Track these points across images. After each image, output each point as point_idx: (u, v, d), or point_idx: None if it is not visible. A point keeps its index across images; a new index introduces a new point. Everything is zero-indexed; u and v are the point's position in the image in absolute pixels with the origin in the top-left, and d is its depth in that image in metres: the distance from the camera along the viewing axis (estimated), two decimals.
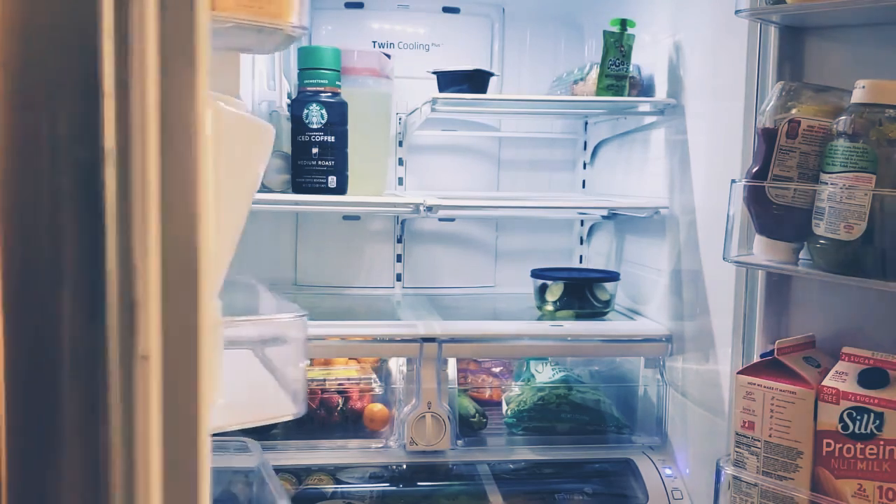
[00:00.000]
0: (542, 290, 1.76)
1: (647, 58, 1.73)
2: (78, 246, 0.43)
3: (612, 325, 1.70)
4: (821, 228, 1.12)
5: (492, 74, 1.75)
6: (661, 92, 1.69)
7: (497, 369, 1.84)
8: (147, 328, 0.44)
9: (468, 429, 1.63)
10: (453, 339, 1.56)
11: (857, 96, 1.10)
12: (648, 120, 1.77)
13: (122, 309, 0.44)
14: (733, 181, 1.23)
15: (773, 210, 1.18)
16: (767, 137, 1.19)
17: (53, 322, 0.43)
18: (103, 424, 0.44)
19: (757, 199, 1.20)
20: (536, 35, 2.06)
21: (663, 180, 1.67)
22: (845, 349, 1.16)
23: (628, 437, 1.69)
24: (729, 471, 1.23)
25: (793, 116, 1.17)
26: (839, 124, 1.11)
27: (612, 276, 1.78)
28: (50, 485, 0.44)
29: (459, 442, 1.60)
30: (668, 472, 1.58)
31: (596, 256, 2.08)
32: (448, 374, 1.60)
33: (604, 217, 2.00)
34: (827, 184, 1.11)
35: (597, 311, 1.74)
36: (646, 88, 1.74)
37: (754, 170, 1.20)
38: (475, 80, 1.71)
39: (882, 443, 1.09)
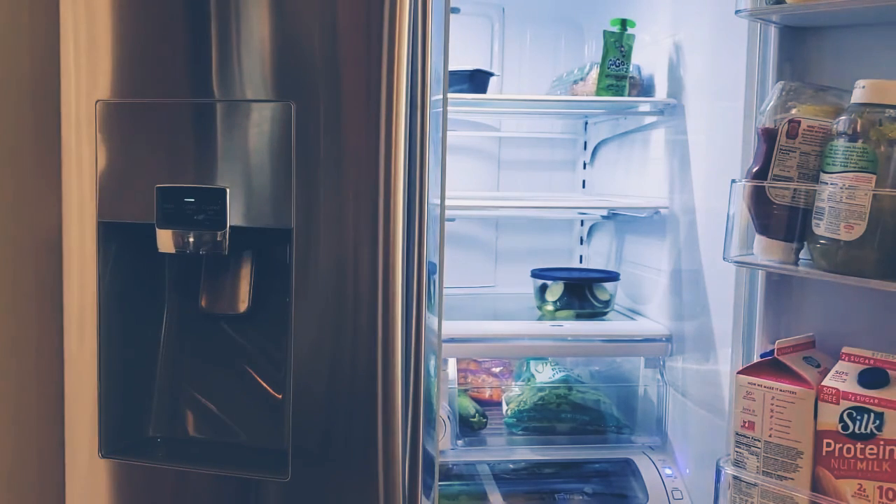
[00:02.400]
0: (542, 290, 1.76)
1: (647, 58, 1.73)
2: None
3: (612, 325, 1.70)
4: (821, 228, 1.12)
5: (492, 74, 1.75)
6: (661, 92, 1.69)
7: (497, 369, 1.83)
8: None
9: (468, 429, 1.63)
10: (453, 339, 1.56)
11: (857, 96, 1.10)
12: (648, 120, 1.77)
13: None
14: (733, 181, 1.23)
15: (773, 210, 1.18)
16: (767, 137, 1.19)
17: None
18: None
19: (757, 199, 1.19)
20: (536, 35, 2.06)
21: (663, 180, 1.67)
22: (845, 349, 1.16)
23: (628, 437, 1.69)
24: (729, 471, 1.23)
25: (793, 116, 1.17)
26: (839, 124, 1.11)
27: (612, 276, 1.78)
28: None
29: (459, 442, 1.60)
30: (668, 472, 1.58)
31: (596, 256, 2.08)
32: (448, 374, 1.60)
33: (604, 217, 2.00)
34: (827, 184, 1.11)
35: (597, 311, 1.73)
36: (646, 88, 1.74)
37: (754, 170, 1.20)
38: (475, 80, 1.71)
39: (882, 443, 1.09)
